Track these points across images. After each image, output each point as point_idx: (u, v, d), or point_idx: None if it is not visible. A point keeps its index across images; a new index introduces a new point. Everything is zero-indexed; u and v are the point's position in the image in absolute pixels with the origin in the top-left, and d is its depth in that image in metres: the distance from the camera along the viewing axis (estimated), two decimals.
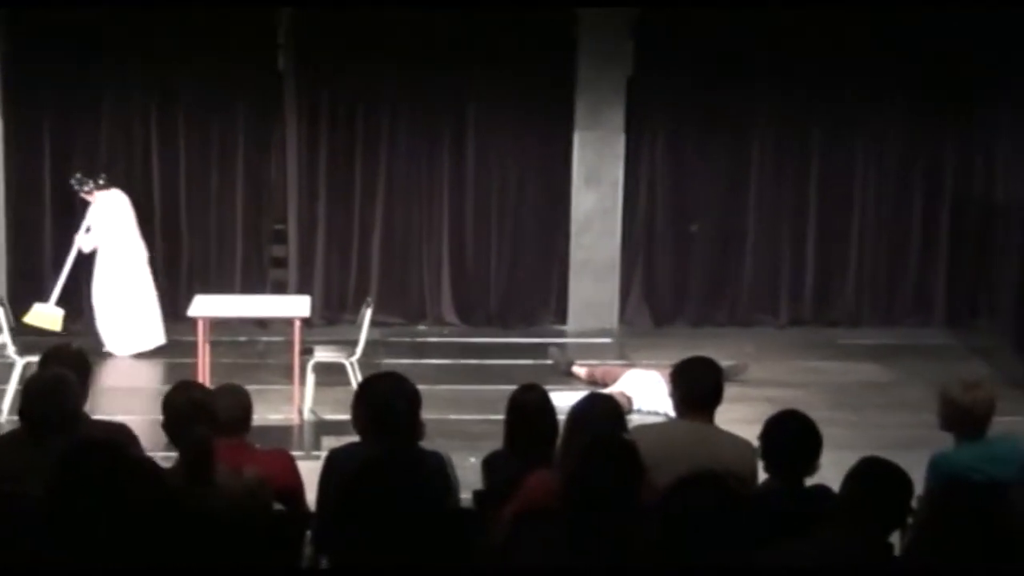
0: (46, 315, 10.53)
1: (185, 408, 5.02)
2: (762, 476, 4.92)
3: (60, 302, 10.61)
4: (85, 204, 10.70)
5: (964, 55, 11.67)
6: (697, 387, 5.25)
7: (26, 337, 9.47)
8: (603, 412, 5.02)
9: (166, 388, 5.47)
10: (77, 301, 11.01)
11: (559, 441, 5.06)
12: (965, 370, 8.73)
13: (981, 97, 11.91)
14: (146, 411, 7.66)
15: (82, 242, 10.66)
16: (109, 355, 10.56)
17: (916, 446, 5.39)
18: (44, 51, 11.23)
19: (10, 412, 8.38)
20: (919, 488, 4.39)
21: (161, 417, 5.14)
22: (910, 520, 4.12)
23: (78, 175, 10.75)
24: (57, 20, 11.07)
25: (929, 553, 3.64)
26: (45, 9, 10.96)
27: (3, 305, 9.56)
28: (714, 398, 5.25)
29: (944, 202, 12.22)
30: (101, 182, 10.68)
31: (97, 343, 10.42)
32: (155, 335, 10.78)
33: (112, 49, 11.34)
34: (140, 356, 10.65)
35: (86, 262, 10.79)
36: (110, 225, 10.65)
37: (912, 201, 12.23)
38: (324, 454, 5.31)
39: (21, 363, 8.66)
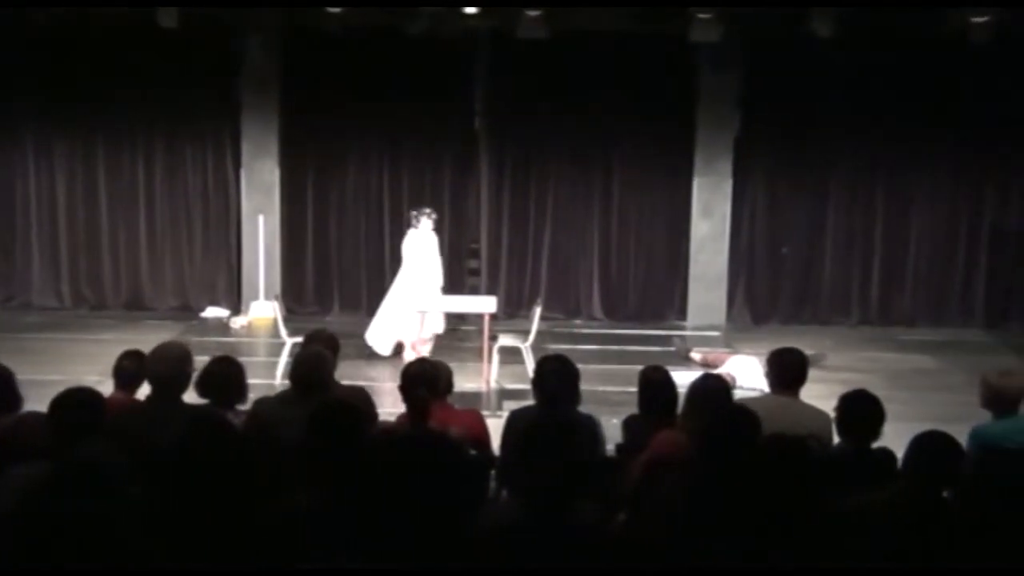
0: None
1: (417, 375, 4.98)
2: (836, 440, 4.76)
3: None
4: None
5: (1000, 119, 11.11)
6: (787, 370, 5.10)
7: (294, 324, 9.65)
8: (714, 388, 4.90)
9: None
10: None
11: (680, 408, 4.99)
12: (1000, 361, 8.31)
13: (1010, 144, 11.30)
14: (383, 379, 7.80)
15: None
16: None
17: (958, 420, 5.11)
18: (309, 129, 11.71)
19: (282, 378, 8.60)
20: None
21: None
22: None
23: (425, 210, 10.06)
24: (320, 110, 11.58)
25: (972, 504, 3.44)
26: (315, 102, 11.56)
27: (278, 300, 9.86)
28: (800, 379, 5.09)
29: (983, 229, 11.65)
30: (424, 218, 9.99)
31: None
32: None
33: (357, 133, 11.74)
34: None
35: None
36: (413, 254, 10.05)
37: (958, 229, 11.70)
38: (505, 414, 5.29)
39: (290, 342, 8.81)
